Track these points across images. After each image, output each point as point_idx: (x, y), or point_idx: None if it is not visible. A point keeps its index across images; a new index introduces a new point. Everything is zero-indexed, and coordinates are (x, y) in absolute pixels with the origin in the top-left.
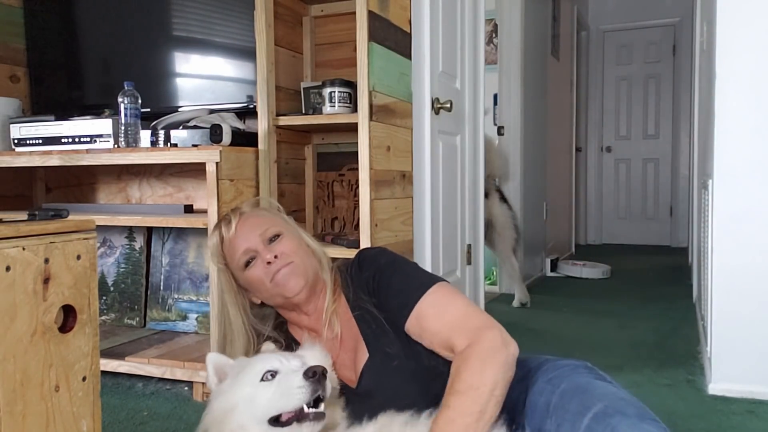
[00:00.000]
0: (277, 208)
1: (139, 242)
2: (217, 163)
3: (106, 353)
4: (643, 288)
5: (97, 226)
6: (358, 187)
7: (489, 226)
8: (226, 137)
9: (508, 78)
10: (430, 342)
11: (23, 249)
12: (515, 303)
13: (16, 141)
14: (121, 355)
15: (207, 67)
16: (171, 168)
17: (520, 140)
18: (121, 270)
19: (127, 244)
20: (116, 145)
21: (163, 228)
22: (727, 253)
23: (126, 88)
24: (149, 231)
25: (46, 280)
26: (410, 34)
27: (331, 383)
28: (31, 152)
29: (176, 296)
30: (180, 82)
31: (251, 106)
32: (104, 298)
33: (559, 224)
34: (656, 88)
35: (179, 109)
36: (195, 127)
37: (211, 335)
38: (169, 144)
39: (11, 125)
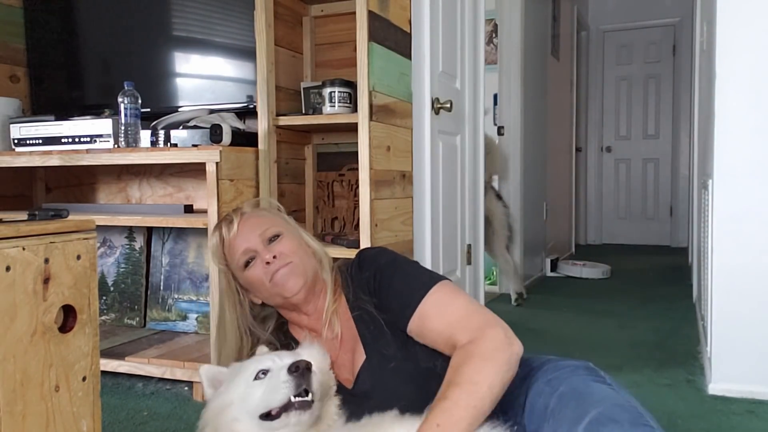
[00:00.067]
0: (277, 208)
1: (139, 242)
2: (217, 163)
3: (106, 353)
4: (643, 288)
5: (97, 226)
6: (358, 187)
7: (485, 222)
8: (226, 137)
9: (508, 78)
10: (433, 341)
11: (23, 249)
12: (512, 295)
13: (16, 141)
14: (121, 355)
15: (207, 67)
16: (171, 168)
17: (520, 140)
18: (121, 270)
19: (127, 244)
20: (116, 145)
21: (163, 228)
22: (727, 253)
23: (126, 88)
24: (149, 231)
25: (46, 280)
26: (410, 34)
27: (318, 376)
28: (31, 152)
29: (176, 296)
30: (180, 82)
31: (251, 106)
32: (104, 298)
33: (559, 224)
34: (656, 88)
35: (179, 109)
36: (195, 127)
37: (210, 335)
38: (169, 144)
39: (11, 125)
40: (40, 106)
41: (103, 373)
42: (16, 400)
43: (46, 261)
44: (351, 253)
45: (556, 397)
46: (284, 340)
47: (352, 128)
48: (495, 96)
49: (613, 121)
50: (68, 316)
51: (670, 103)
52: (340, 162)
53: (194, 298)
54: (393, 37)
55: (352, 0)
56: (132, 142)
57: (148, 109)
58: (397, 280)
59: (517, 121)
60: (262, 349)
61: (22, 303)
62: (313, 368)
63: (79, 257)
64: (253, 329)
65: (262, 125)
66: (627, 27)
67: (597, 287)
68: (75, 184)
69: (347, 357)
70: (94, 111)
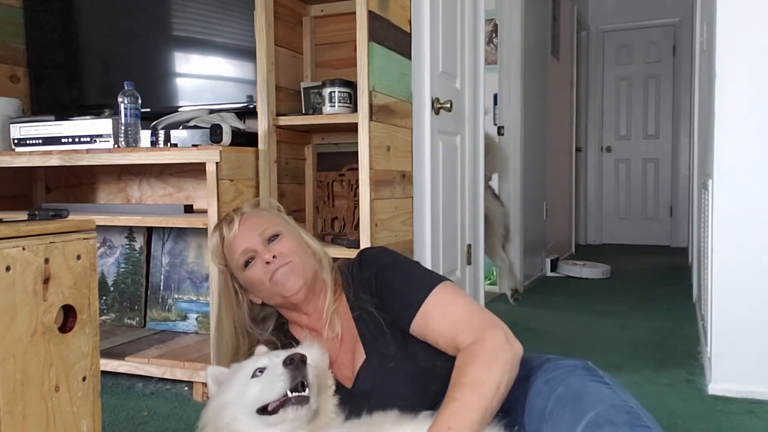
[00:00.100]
0: (277, 208)
1: (139, 242)
2: (217, 163)
3: (106, 353)
4: (643, 288)
5: (97, 226)
6: (358, 187)
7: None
8: (226, 137)
9: (508, 78)
10: (435, 341)
11: (23, 249)
12: (507, 292)
13: (16, 141)
14: (121, 355)
15: (207, 67)
16: (171, 168)
17: (520, 140)
18: (121, 270)
19: (127, 244)
20: (116, 145)
21: (163, 228)
22: (727, 253)
23: (126, 88)
24: (149, 231)
25: (46, 280)
26: (410, 34)
27: (314, 368)
28: (31, 152)
29: (176, 296)
30: (180, 82)
31: (251, 106)
32: (104, 298)
33: (559, 224)
34: (656, 88)
35: (179, 109)
36: (195, 127)
37: (210, 335)
38: (169, 144)
39: (11, 125)
40: (40, 106)
41: (103, 373)
42: (16, 400)
43: (46, 261)
44: (351, 253)
45: (554, 399)
46: (285, 339)
47: (352, 128)
48: (495, 96)
49: (613, 121)
50: (68, 316)
51: (670, 103)
52: (340, 162)
53: (194, 298)
54: (393, 37)
55: (352, 0)
56: (132, 142)
57: (148, 109)
58: (399, 280)
59: (517, 121)
60: (260, 348)
61: (22, 303)
62: (308, 361)
63: (79, 257)
64: (251, 330)
65: (262, 125)
66: (627, 27)
67: (597, 287)
68: (75, 184)
69: (347, 356)
70: (94, 111)
